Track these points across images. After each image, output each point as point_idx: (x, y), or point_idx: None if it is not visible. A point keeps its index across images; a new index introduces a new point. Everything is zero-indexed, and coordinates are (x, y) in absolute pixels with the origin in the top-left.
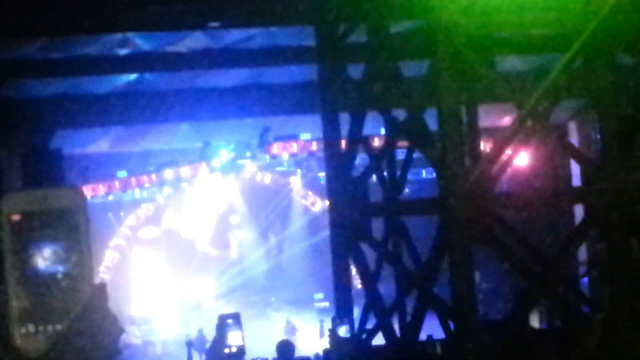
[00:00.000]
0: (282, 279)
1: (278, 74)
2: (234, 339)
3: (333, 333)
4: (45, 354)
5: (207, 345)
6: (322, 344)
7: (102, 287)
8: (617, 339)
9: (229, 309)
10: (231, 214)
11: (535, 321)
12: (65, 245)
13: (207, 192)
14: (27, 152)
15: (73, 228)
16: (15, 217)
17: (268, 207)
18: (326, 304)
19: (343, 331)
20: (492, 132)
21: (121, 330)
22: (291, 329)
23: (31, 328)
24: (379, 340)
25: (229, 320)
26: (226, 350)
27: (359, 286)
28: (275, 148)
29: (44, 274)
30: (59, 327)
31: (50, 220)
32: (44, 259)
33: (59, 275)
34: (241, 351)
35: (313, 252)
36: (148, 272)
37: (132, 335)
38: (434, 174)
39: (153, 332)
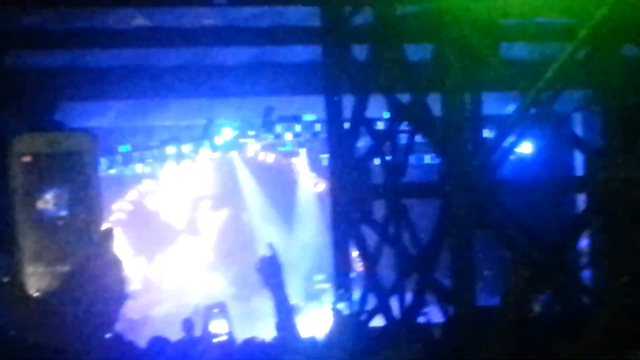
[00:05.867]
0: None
1: (283, 54)
2: (219, 328)
3: (335, 309)
4: (51, 294)
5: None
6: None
7: (109, 231)
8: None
9: (222, 286)
10: (203, 199)
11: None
12: (74, 188)
13: (196, 173)
14: (33, 122)
15: (83, 171)
16: (26, 159)
17: (273, 186)
18: (326, 285)
19: (343, 307)
20: (495, 119)
21: (126, 277)
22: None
23: (40, 268)
24: (377, 322)
25: (215, 310)
26: (214, 340)
27: (359, 269)
28: (279, 128)
29: (52, 215)
30: (65, 268)
31: (60, 162)
32: (53, 200)
33: (67, 217)
34: (231, 338)
35: (315, 233)
36: (142, 247)
37: (130, 310)
38: (436, 159)
39: (151, 306)
